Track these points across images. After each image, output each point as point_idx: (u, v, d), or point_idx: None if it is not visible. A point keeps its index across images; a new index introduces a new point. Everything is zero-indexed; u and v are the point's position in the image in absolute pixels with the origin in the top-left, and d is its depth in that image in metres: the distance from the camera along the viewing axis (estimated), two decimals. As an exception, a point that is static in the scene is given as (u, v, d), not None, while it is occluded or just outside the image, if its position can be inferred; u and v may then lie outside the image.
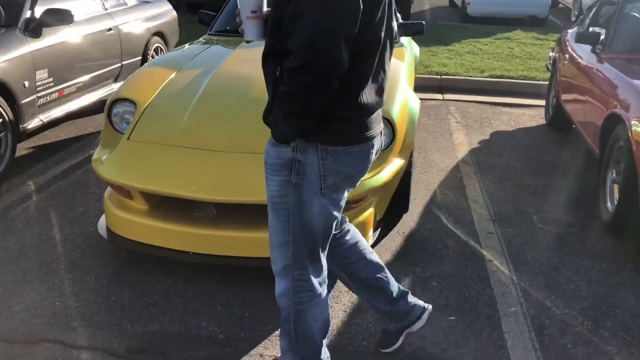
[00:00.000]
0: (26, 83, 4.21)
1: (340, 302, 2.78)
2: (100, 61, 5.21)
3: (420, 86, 6.81)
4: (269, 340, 2.50)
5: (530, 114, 6.21)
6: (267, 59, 1.85)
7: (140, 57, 5.91)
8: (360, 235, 2.31)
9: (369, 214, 2.96)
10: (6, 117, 4.01)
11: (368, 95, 1.84)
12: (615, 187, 3.59)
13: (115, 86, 5.29)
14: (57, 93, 4.61)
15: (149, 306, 2.71)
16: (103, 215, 3.11)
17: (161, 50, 6.33)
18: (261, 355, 2.41)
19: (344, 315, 2.69)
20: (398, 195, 3.34)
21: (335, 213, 1.95)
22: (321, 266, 2.03)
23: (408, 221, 3.62)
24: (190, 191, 2.76)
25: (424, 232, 3.51)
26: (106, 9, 5.50)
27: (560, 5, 15.49)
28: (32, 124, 4.36)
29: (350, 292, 2.85)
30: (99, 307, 2.69)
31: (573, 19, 6.75)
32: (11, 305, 2.68)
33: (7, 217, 3.53)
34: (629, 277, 3.09)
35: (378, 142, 1.96)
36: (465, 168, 4.56)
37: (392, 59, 4.00)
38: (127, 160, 2.98)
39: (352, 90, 1.79)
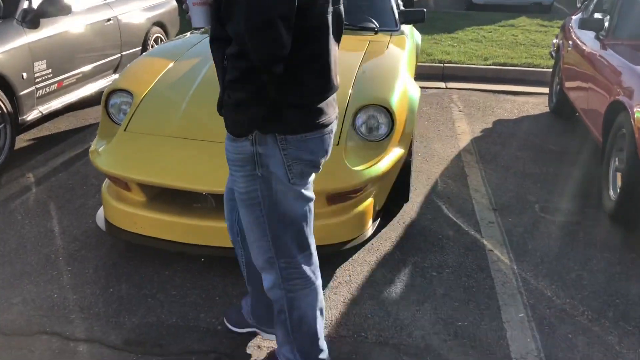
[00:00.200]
0: (24, 74, 4.19)
1: (339, 293, 2.77)
2: (99, 52, 5.19)
3: (423, 74, 6.78)
4: (266, 331, 2.49)
5: (534, 102, 6.16)
6: (214, 47, 1.81)
7: (140, 48, 5.88)
8: None
9: (368, 204, 2.94)
10: (5, 109, 4.00)
11: (319, 80, 1.81)
12: (618, 175, 3.55)
13: (115, 77, 5.27)
14: (56, 84, 4.59)
15: (147, 298, 2.70)
16: (101, 207, 3.10)
17: (161, 40, 6.30)
18: (259, 347, 2.40)
19: (342, 306, 2.67)
20: (398, 185, 3.32)
21: (310, 194, 1.93)
22: (311, 254, 2.00)
23: (409, 211, 3.59)
24: (188, 182, 2.74)
25: (425, 221, 3.48)
26: (105, -1, 5.48)
27: (566, -8, 15.35)
28: (31, 115, 4.35)
29: (349, 283, 2.84)
30: (97, 299, 2.68)
31: (578, 5, 6.66)
32: (9, 297, 2.67)
33: (6, 209, 3.53)
34: (631, 266, 3.06)
35: (335, 126, 1.95)
36: (467, 157, 4.53)
37: (392, 46, 4.02)
38: (124, 151, 2.96)
39: (301, 75, 1.76)
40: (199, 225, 2.77)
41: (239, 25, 1.61)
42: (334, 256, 3.01)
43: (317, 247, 2.76)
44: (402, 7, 5.03)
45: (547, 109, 5.90)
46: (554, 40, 6.21)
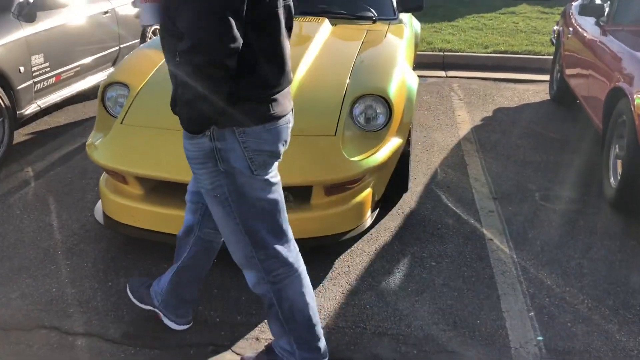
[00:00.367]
0: (21, 68, 4.17)
1: (338, 284, 2.76)
2: (97, 45, 5.16)
3: (423, 63, 6.75)
4: (265, 323, 2.48)
5: (535, 90, 6.12)
6: (165, 43, 1.80)
7: (139, 40, 5.85)
8: None
9: (366, 194, 2.92)
10: (2, 103, 3.99)
11: (273, 73, 1.82)
12: (619, 162, 3.53)
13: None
14: (54, 78, 4.58)
15: (146, 291, 2.69)
16: (100, 201, 3.09)
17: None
18: (257, 339, 2.40)
19: (341, 297, 2.66)
20: (397, 175, 3.30)
21: (276, 179, 1.94)
22: (288, 241, 2.00)
23: (408, 200, 3.58)
24: (185, 175, 2.72)
25: (424, 211, 3.47)
26: (102, -9, 5.44)
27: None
28: (30, 109, 4.34)
29: (348, 273, 2.83)
30: (95, 293, 2.68)
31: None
32: (8, 292, 2.67)
33: (5, 204, 3.53)
34: (631, 254, 3.05)
35: (292, 116, 1.97)
36: (467, 146, 4.51)
37: (390, 35, 4.00)
38: (121, 144, 2.94)
39: (255, 68, 1.76)
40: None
41: (190, 20, 1.60)
42: (332, 247, 3.01)
43: (316, 239, 2.81)
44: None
45: (547, 97, 5.87)
46: (555, 27, 6.16)
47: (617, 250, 3.09)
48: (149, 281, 2.51)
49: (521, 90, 6.11)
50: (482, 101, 5.69)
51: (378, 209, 3.14)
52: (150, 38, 6.03)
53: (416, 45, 5.30)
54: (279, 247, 1.96)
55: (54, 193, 3.67)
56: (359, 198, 2.88)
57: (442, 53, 7.22)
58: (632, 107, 3.27)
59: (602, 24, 4.49)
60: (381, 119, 3.02)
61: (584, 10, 4.71)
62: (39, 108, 4.44)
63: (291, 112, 1.96)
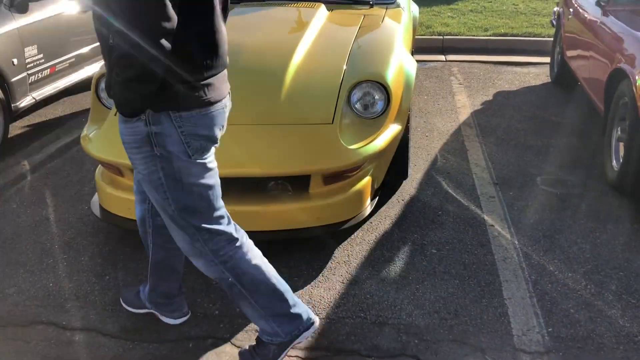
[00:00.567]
0: (15, 60, 4.13)
1: (338, 274, 2.73)
2: (92, 34, 5.06)
3: (422, 48, 6.69)
4: (264, 315, 2.46)
5: (535, 72, 6.06)
6: (98, 25, 1.76)
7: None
8: None
9: (365, 182, 2.89)
10: (-4, 96, 3.95)
11: (209, 56, 1.80)
12: (621, 145, 3.49)
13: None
14: (48, 70, 4.53)
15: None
16: (96, 194, 3.06)
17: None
18: (257, 331, 2.37)
19: (341, 287, 2.64)
20: (396, 162, 3.27)
21: (213, 165, 1.93)
22: (223, 215, 1.98)
23: (408, 187, 3.54)
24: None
25: (424, 198, 3.43)
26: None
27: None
28: (24, 102, 4.29)
29: (347, 263, 2.80)
30: (93, 287, 2.66)
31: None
32: (4, 287, 2.65)
33: (1, 198, 3.50)
34: (634, 238, 3.01)
35: (229, 101, 1.96)
36: (467, 131, 4.46)
37: (388, 20, 3.93)
38: (115, 136, 2.88)
39: (191, 52, 1.75)
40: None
41: (123, 1, 1.58)
42: (332, 236, 2.98)
43: (315, 228, 2.77)
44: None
45: (548, 79, 5.81)
46: (555, 9, 6.07)
47: (619, 234, 3.05)
48: (138, 287, 2.51)
49: (521, 73, 6.05)
50: (482, 85, 5.64)
51: (377, 197, 3.10)
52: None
53: (415, 30, 5.23)
54: (218, 227, 1.95)
55: (51, 186, 3.63)
56: (358, 186, 2.85)
57: (441, 37, 7.15)
58: (634, 88, 3.22)
59: (603, 4, 4.41)
60: (379, 106, 2.98)
61: (584, -9, 4.64)
62: (34, 100, 4.40)
63: (228, 96, 1.95)
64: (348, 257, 2.86)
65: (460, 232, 3.07)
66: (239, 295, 2.04)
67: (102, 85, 3.18)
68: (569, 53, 5.06)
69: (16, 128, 4.57)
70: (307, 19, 3.74)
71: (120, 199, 2.85)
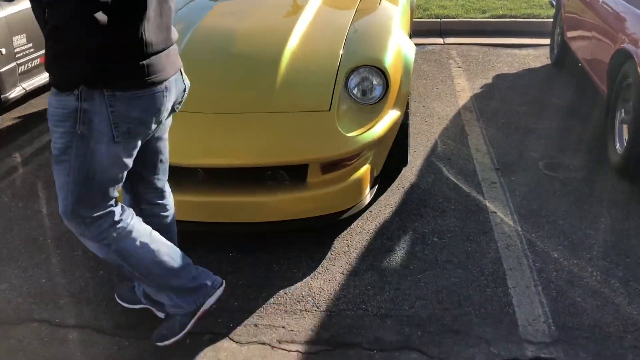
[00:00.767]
0: (3, 50, 4.02)
1: (337, 265, 2.67)
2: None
3: (419, 31, 6.58)
4: (263, 309, 2.40)
5: (535, 54, 5.96)
6: (33, 0, 1.71)
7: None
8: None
9: (365, 170, 2.81)
10: (-15, 87, 3.86)
11: (150, 32, 1.71)
12: (624, 127, 3.41)
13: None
14: (38, 59, 4.42)
15: (139, 278, 2.60)
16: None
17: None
18: (256, 325, 2.31)
19: (341, 278, 2.57)
20: (396, 148, 3.19)
21: (128, 161, 1.86)
22: (113, 198, 1.91)
23: (408, 174, 3.47)
24: (173, 158, 2.61)
25: (425, 185, 3.36)
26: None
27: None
28: (14, 93, 4.19)
29: (347, 253, 2.74)
30: (87, 282, 2.59)
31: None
32: (-4, 284, 2.59)
33: (-8, 191, 3.43)
34: (639, 222, 2.96)
35: (179, 84, 1.88)
36: (467, 115, 4.38)
37: (385, 2, 3.84)
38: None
39: (128, 26, 1.66)
40: (186, 200, 2.65)
41: None
42: (331, 226, 2.91)
43: (314, 219, 2.70)
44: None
45: (548, 61, 5.72)
46: (554, -11, 5.97)
47: (624, 218, 2.99)
48: (132, 283, 2.43)
49: (521, 55, 5.96)
50: (481, 68, 5.55)
51: (377, 185, 3.03)
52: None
53: (412, 12, 5.13)
54: (101, 212, 1.88)
55: (43, 179, 3.56)
56: (357, 175, 2.77)
57: (438, 19, 7.04)
58: (638, 69, 3.14)
59: (604, -17, 4.32)
60: (378, 91, 2.90)
61: (585, -30, 4.54)
62: (24, 91, 4.29)
63: (179, 75, 1.87)
64: (348, 247, 2.80)
65: (462, 219, 3.00)
66: (131, 274, 2.01)
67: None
68: (570, 34, 4.97)
69: (7, 120, 4.48)
70: (302, 2, 3.65)
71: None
